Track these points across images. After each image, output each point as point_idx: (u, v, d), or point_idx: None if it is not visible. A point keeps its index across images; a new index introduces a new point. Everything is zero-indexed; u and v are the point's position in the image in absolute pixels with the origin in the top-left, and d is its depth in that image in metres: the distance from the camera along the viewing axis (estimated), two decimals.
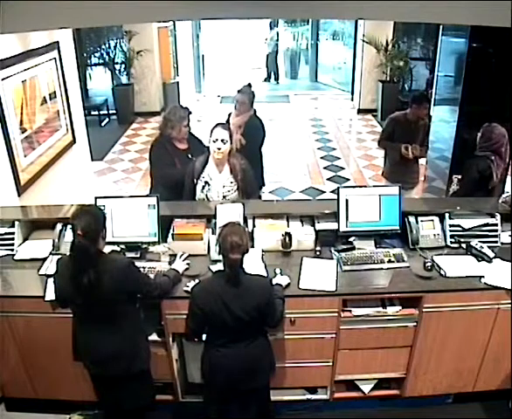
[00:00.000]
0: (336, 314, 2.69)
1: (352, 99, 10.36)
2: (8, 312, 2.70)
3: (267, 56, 12.32)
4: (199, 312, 2.29)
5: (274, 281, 2.57)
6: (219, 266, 2.76)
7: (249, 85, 4.21)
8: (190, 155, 3.56)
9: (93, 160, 5.42)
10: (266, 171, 4.52)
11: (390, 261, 2.85)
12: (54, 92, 4.20)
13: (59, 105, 4.31)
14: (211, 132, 3.19)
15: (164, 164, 3.54)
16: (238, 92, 4.13)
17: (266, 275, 2.61)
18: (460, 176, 3.70)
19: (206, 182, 3.26)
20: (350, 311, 2.71)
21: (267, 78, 12.51)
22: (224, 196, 3.24)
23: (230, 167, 3.26)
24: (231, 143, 3.22)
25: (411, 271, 2.78)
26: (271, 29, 12.01)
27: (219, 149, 3.14)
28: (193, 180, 3.30)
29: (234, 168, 3.25)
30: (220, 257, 2.35)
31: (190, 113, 3.69)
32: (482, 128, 3.51)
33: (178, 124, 3.55)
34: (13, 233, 3.06)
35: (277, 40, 12.18)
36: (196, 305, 2.31)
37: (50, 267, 2.77)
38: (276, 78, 12.59)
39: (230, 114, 4.20)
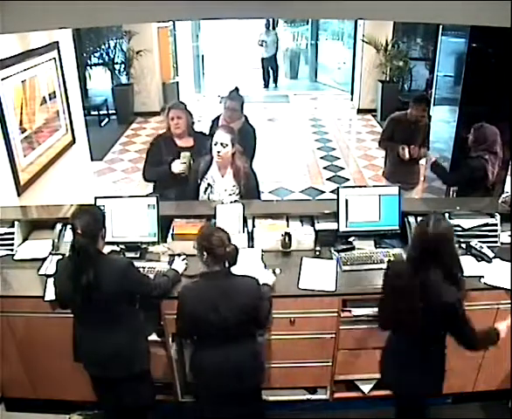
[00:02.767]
0: (336, 314, 2.69)
1: (352, 99, 10.36)
2: (8, 312, 2.70)
3: (262, 59, 11.74)
4: (187, 313, 2.26)
5: (261, 281, 2.48)
6: None
7: (236, 89, 4.02)
8: (189, 154, 3.44)
9: (92, 160, 5.42)
10: (262, 175, 4.30)
11: (389, 261, 2.85)
12: (54, 92, 4.21)
13: (59, 105, 4.31)
14: (213, 134, 3.17)
15: (151, 161, 3.57)
16: (228, 98, 3.90)
17: (255, 276, 2.44)
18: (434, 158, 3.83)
19: (209, 185, 3.24)
20: (350, 311, 2.71)
21: (265, 84, 11.99)
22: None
23: (233, 170, 3.21)
24: (234, 147, 3.15)
25: None
26: (267, 30, 11.47)
27: (219, 153, 3.11)
28: (197, 180, 3.28)
29: (238, 173, 3.21)
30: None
31: (184, 107, 3.60)
32: (474, 130, 3.52)
33: (166, 120, 3.56)
34: (13, 233, 3.06)
35: (276, 42, 11.68)
36: (183, 307, 2.27)
37: (49, 267, 2.77)
38: (275, 81, 12.11)
39: (215, 120, 3.99)
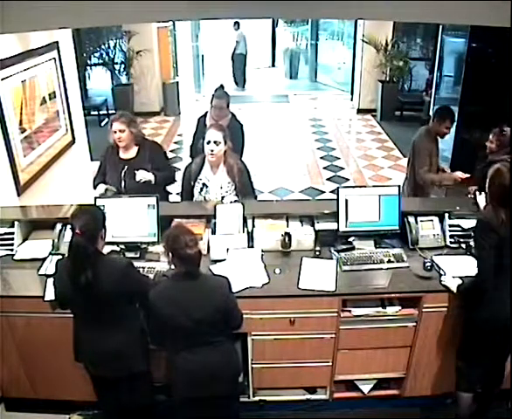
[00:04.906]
0: (336, 314, 2.69)
1: (352, 99, 10.36)
2: (8, 312, 2.70)
3: (232, 58, 11.59)
4: (157, 316, 2.24)
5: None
6: (219, 266, 2.77)
7: (221, 86, 4.03)
8: (126, 166, 3.38)
9: (92, 160, 5.41)
10: (260, 172, 4.30)
11: (389, 261, 2.86)
12: (54, 93, 4.21)
13: (59, 105, 4.31)
14: (198, 132, 3.17)
15: (100, 170, 3.54)
16: (214, 96, 3.88)
17: (226, 276, 2.40)
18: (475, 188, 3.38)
19: (204, 184, 3.24)
20: (350, 311, 2.71)
21: (236, 83, 11.81)
22: (222, 197, 3.23)
23: (226, 168, 3.23)
24: (226, 144, 3.16)
25: (410, 271, 2.78)
26: (236, 29, 11.28)
27: (212, 151, 3.12)
28: (190, 182, 3.28)
29: (231, 170, 3.22)
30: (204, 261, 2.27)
31: (128, 119, 3.42)
32: (497, 135, 3.42)
33: (110, 131, 3.41)
34: (13, 233, 3.06)
35: (244, 42, 11.46)
36: (153, 310, 2.24)
37: (49, 267, 2.77)
38: (242, 85, 11.88)
39: (201, 118, 3.98)
